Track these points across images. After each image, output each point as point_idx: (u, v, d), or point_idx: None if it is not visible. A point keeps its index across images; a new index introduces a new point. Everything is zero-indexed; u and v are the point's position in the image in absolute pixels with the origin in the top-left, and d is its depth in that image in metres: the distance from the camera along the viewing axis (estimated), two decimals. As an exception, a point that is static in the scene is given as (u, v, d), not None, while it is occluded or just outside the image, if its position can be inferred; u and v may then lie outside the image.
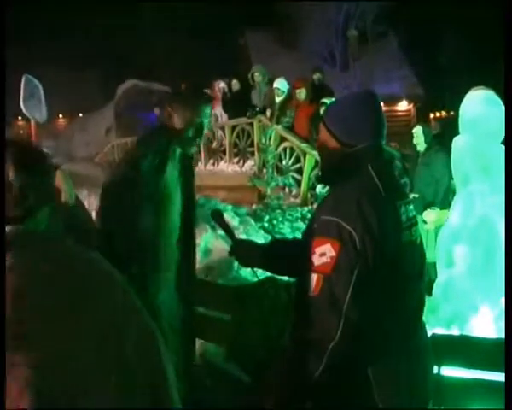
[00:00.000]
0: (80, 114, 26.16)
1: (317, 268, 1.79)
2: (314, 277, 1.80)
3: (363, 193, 1.82)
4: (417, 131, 6.42)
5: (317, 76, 9.77)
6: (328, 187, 2.19)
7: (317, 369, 1.77)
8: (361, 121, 1.93)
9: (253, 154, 10.14)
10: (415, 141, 6.47)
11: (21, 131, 29.49)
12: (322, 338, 1.76)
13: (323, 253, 1.78)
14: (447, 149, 5.85)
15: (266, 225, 7.29)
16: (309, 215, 6.75)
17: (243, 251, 2.34)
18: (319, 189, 7.38)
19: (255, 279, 4.63)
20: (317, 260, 1.80)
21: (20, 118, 27.42)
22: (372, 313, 1.77)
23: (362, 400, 1.86)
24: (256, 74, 10.15)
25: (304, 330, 1.84)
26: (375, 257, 1.76)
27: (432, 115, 27.76)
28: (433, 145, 6.31)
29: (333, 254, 1.76)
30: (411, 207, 1.97)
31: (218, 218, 2.45)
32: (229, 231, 2.39)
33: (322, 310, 1.77)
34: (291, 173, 8.88)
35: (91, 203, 5.24)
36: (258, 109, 9.78)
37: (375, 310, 1.78)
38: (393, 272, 1.83)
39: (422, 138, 6.32)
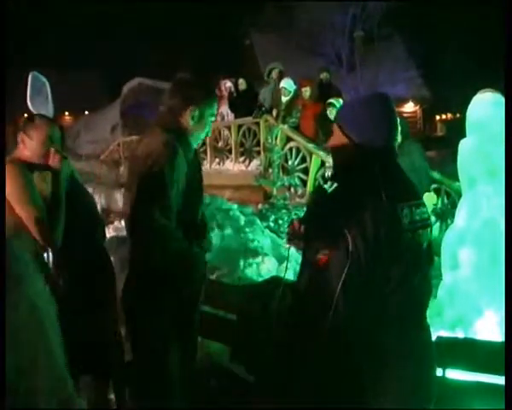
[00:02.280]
0: (86, 112, 26.22)
1: (313, 265, 1.89)
2: (309, 272, 1.90)
3: (361, 195, 1.86)
4: None
5: (324, 75, 9.76)
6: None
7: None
8: (379, 124, 1.94)
9: (258, 153, 10.14)
10: None
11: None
12: (312, 331, 1.86)
13: (317, 250, 1.87)
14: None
15: (272, 224, 7.29)
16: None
17: None
18: (325, 189, 7.37)
19: (261, 279, 4.63)
20: (312, 257, 1.90)
21: (26, 115, 27.55)
22: (366, 311, 1.83)
23: (363, 399, 1.87)
24: (276, 70, 10.11)
25: (297, 320, 1.96)
26: (367, 258, 1.79)
27: (438, 117, 27.73)
28: (408, 137, 6.42)
29: (325, 251, 1.85)
30: (421, 209, 1.94)
31: None
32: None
33: (314, 303, 1.87)
34: (297, 173, 8.87)
35: (96, 201, 5.26)
36: (264, 109, 9.76)
37: (372, 309, 1.83)
38: (392, 273, 1.85)
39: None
